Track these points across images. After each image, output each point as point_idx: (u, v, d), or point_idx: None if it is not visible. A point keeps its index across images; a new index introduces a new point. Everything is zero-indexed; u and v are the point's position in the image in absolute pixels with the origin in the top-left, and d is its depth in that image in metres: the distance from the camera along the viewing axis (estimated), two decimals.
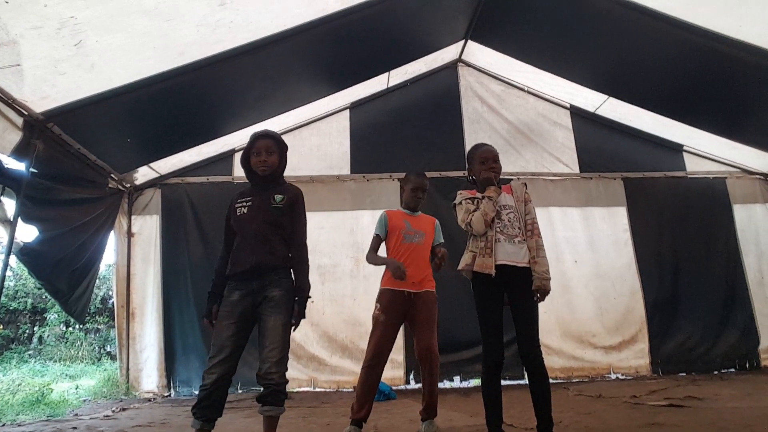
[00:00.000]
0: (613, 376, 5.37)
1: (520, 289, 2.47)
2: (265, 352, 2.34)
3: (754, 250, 5.84)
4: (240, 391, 5.05)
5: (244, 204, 2.49)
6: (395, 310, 2.94)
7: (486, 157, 2.82)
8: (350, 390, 4.96)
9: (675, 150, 6.11)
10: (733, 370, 5.38)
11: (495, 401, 2.44)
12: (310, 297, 2.46)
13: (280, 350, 2.33)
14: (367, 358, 2.91)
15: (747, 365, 5.41)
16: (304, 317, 2.42)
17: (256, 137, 2.53)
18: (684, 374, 5.27)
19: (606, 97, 5.72)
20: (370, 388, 2.89)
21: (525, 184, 2.77)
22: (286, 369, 2.37)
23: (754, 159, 5.86)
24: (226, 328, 2.34)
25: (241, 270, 2.39)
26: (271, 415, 2.37)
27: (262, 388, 2.37)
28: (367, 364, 2.88)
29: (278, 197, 2.48)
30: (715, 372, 5.34)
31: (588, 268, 5.71)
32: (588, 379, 5.32)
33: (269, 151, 2.50)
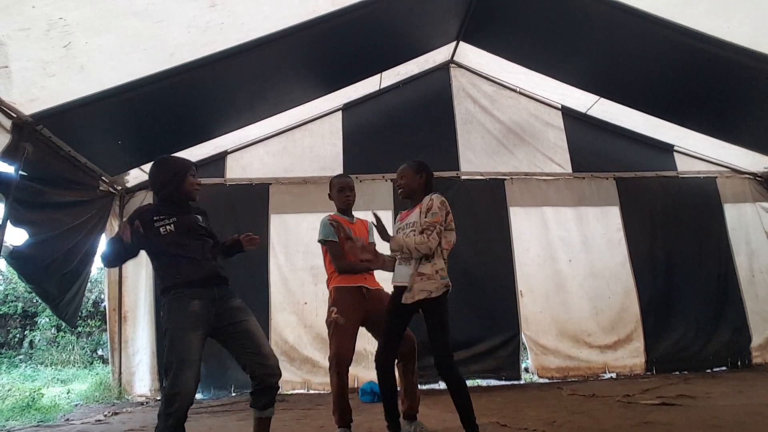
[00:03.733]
0: (608, 376, 5.39)
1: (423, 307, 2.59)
2: (266, 350, 2.40)
3: (745, 249, 5.89)
4: (234, 394, 5.03)
5: (167, 223, 2.45)
6: (354, 309, 2.95)
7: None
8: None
9: (666, 150, 6.16)
10: (725, 368, 5.42)
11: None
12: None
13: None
14: (333, 364, 2.90)
15: (739, 363, 5.45)
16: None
17: (193, 164, 2.64)
18: (677, 373, 5.30)
19: (597, 97, 5.75)
20: (342, 391, 2.90)
21: (432, 199, 2.70)
22: None
23: (743, 158, 5.91)
24: (197, 340, 2.29)
25: (198, 277, 2.38)
26: (271, 415, 2.39)
27: (256, 390, 2.40)
28: (336, 371, 2.87)
29: (201, 218, 2.60)
30: (708, 370, 5.37)
31: (582, 268, 5.74)
32: (584, 378, 5.33)
33: (198, 178, 2.62)
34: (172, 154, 2.73)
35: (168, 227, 2.44)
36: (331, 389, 2.95)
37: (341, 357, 2.88)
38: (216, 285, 2.44)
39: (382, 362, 2.65)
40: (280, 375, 2.43)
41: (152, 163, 2.63)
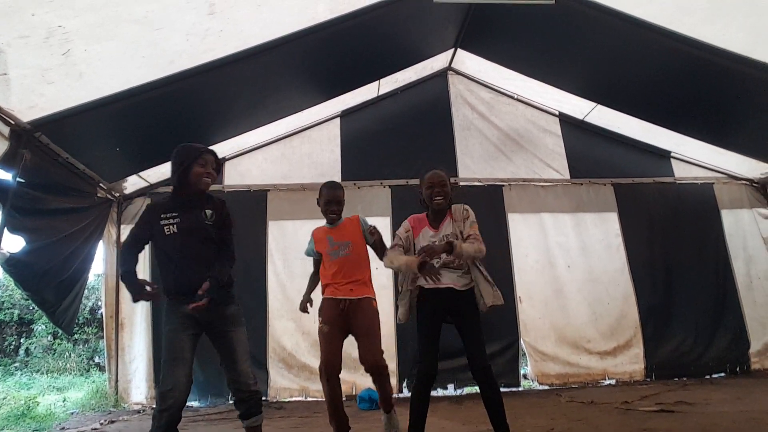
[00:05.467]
0: (607, 382, 5.37)
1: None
2: (240, 366, 2.39)
3: (742, 255, 5.90)
4: (230, 402, 4.99)
5: (171, 222, 2.39)
6: (335, 319, 2.99)
7: (432, 182, 2.83)
8: (342, 399, 4.92)
9: (663, 156, 6.19)
10: (723, 374, 5.41)
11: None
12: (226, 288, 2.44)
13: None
14: (321, 372, 2.94)
15: (738, 369, 5.44)
16: (207, 298, 2.30)
17: (205, 150, 2.47)
18: (677, 379, 5.28)
19: (594, 104, 5.78)
20: (334, 399, 2.95)
21: (466, 209, 2.83)
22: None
23: (740, 165, 5.94)
24: (188, 340, 2.34)
25: (193, 285, 2.32)
26: (260, 423, 2.40)
27: (234, 400, 2.44)
28: (325, 378, 2.91)
29: (209, 213, 2.44)
30: (707, 376, 5.36)
31: (581, 273, 5.73)
32: (583, 385, 5.32)
33: (213, 166, 2.45)
34: (192, 143, 2.58)
35: (171, 228, 2.38)
36: (324, 397, 2.98)
37: (327, 363, 2.92)
38: (215, 288, 2.38)
39: (427, 374, 2.53)
40: (250, 390, 2.40)
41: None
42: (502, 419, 2.45)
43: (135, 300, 2.40)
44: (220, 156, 5.52)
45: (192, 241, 2.39)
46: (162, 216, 2.41)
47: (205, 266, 2.38)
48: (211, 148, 2.55)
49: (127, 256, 2.45)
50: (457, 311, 2.63)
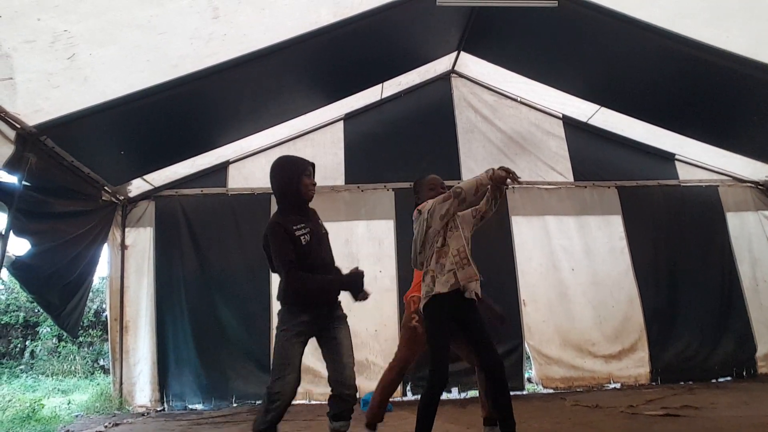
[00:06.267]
0: (612, 386, 5.33)
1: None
2: (344, 360, 2.49)
3: (748, 258, 5.86)
4: (235, 405, 5.00)
5: (304, 232, 2.44)
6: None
7: (435, 184, 2.82)
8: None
9: (667, 159, 6.16)
10: (730, 378, 5.36)
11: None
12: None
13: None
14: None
15: (744, 373, 5.39)
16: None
17: (310, 163, 2.59)
18: (682, 383, 5.24)
19: (598, 107, 5.77)
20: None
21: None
22: None
23: (744, 167, 5.91)
24: (299, 346, 2.47)
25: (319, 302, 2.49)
26: (341, 429, 2.45)
27: (329, 397, 2.49)
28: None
29: (322, 223, 2.61)
30: (713, 380, 5.32)
31: (585, 276, 5.71)
32: (588, 388, 5.28)
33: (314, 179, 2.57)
34: (289, 155, 2.73)
35: (305, 237, 2.44)
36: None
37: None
38: (332, 303, 2.57)
39: (441, 385, 2.51)
40: (352, 388, 2.43)
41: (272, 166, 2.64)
42: (509, 414, 2.45)
43: (359, 299, 2.64)
44: (222, 159, 5.64)
45: (322, 249, 2.53)
46: (294, 228, 2.44)
47: (331, 271, 2.57)
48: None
49: (307, 275, 2.45)
50: (464, 316, 2.62)
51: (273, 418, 2.33)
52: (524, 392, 5.21)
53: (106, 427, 4.19)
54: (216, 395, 5.06)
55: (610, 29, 4.41)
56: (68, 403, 5.71)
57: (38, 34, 2.91)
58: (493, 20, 5.06)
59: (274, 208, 5.90)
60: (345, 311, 2.65)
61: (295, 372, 2.39)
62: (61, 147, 3.99)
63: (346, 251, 5.52)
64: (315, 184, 2.56)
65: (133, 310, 5.27)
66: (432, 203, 2.64)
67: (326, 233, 2.62)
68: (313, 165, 2.62)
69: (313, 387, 5.08)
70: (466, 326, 2.60)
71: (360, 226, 5.63)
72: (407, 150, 5.91)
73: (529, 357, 5.44)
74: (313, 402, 5.02)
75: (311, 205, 2.63)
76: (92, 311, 9.53)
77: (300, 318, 2.45)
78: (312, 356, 5.18)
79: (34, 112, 3.51)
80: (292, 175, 2.52)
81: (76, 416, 4.93)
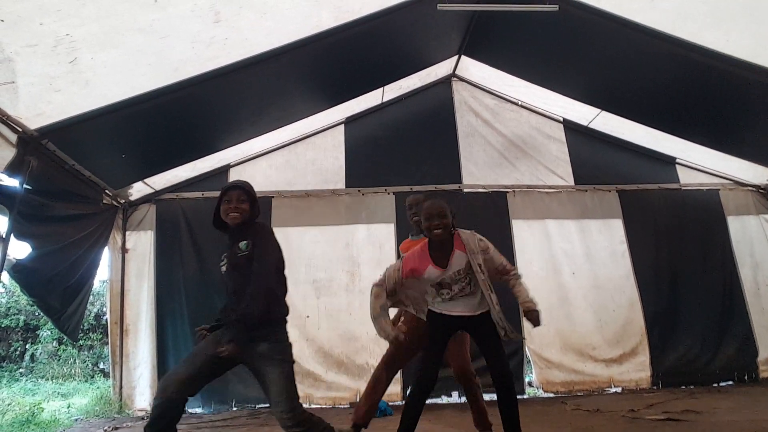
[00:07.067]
0: (613, 390, 5.31)
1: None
2: (276, 407, 2.30)
3: (749, 262, 5.85)
4: (234, 408, 4.99)
5: (223, 262, 2.47)
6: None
7: (431, 213, 2.59)
8: (346, 406, 4.91)
9: (668, 162, 6.16)
10: (731, 382, 5.34)
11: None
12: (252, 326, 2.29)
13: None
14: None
15: (746, 377, 5.37)
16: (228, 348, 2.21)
17: (227, 188, 2.52)
18: (683, 387, 5.22)
19: (598, 110, 5.78)
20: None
21: (481, 239, 2.71)
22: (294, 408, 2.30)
23: (745, 171, 5.90)
24: (206, 356, 2.33)
25: (229, 320, 2.34)
26: None
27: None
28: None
29: (244, 245, 2.40)
30: (714, 384, 5.30)
31: (586, 280, 5.70)
32: (589, 393, 5.26)
33: (240, 200, 2.46)
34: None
35: (223, 267, 2.47)
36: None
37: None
38: (240, 329, 2.28)
39: (427, 385, 2.58)
40: (285, 424, 2.30)
41: None
42: (517, 424, 2.48)
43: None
44: (224, 163, 5.65)
45: (231, 277, 2.41)
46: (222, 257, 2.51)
47: (240, 303, 2.31)
48: (241, 182, 2.57)
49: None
50: (473, 330, 2.67)
51: (150, 420, 2.18)
52: (525, 396, 5.19)
53: (105, 430, 4.18)
54: (215, 399, 5.05)
55: (610, 33, 4.42)
56: (68, 407, 5.69)
57: (40, 38, 2.92)
58: (493, 24, 5.07)
59: (275, 211, 5.97)
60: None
61: (187, 372, 2.26)
62: (62, 150, 4.00)
63: (347, 255, 5.53)
64: (235, 209, 2.44)
65: (133, 314, 5.27)
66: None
67: (241, 259, 2.37)
68: (237, 188, 2.50)
69: (314, 391, 5.06)
70: (476, 336, 2.66)
71: (360, 230, 5.63)
72: (408, 154, 5.92)
73: (529, 361, 5.43)
74: (313, 405, 5.00)
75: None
76: (92, 314, 9.52)
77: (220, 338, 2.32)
78: (312, 360, 5.20)
79: (36, 116, 3.52)
80: (216, 209, 2.52)
81: (76, 420, 4.91)
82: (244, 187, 2.52)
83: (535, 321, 2.55)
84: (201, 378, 2.29)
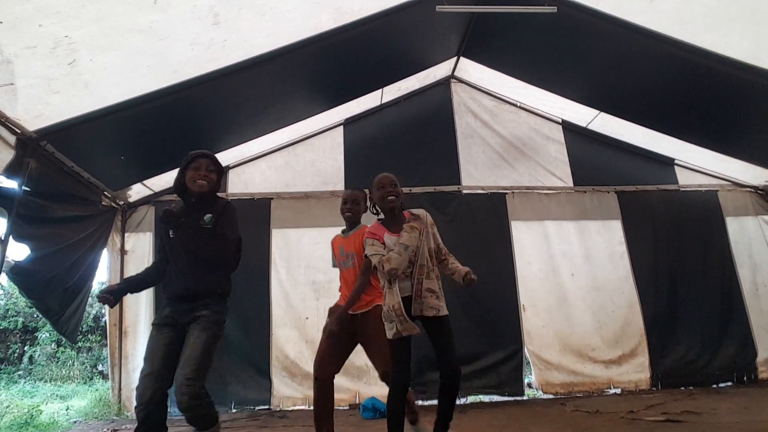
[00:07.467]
0: (613, 391, 5.31)
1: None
2: (181, 369, 2.32)
3: (748, 263, 5.86)
4: (234, 410, 4.97)
5: (174, 226, 2.44)
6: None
7: (383, 183, 2.71)
8: (346, 408, 4.90)
9: (667, 164, 6.17)
10: (731, 383, 5.35)
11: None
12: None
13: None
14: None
15: (745, 378, 5.38)
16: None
17: (199, 154, 2.50)
18: (683, 388, 5.23)
19: (597, 112, 5.79)
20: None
21: (428, 214, 2.72)
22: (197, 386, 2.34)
23: (744, 172, 5.91)
24: (163, 338, 2.38)
25: (177, 293, 2.39)
26: None
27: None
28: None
29: (207, 218, 2.41)
30: (714, 386, 5.31)
31: (585, 281, 5.70)
32: (588, 394, 5.26)
33: (209, 169, 2.46)
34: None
35: (173, 232, 2.43)
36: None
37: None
38: (189, 300, 2.40)
39: (404, 383, 2.54)
40: (182, 399, 2.32)
41: None
42: (451, 412, 2.55)
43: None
44: (224, 164, 5.60)
45: (185, 246, 2.41)
46: (181, 218, 2.47)
47: (192, 273, 2.38)
48: (209, 152, 2.56)
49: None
50: (432, 324, 2.57)
51: (137, 428, 2.22)
52: (524, 398, 5.18)
53: None
54: (215, 401, 4.97)
55: (609, 34, 4.43)
56: (67, 409, 5.68)
57: (39, 40, 2.92)
58: (492, 26, 5.08)
59: (274, 212, 5.97)
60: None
61: (153, 370, 2.29)
62: (61, 152, 3.99)
63: None
64: (204, 176, 2.42)
65: (132, 315, 5.26)
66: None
67: (204, 232, 2.40)
68: (207, 157, 2.49)
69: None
70: (430, 332, 2.57)
71: None
72: (407, 155, 5.92)
73: (528, 362, 5.42)
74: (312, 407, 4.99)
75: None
76: (91, 316, 9.51)
77: (163, 311, 2.42)
78: (312, 361, 5.16)
79: (35, 118, 3.51)
80: (180, 167, 2.47)
81: (75, 422, 4.91)
82: (212, 157, 2.53)
83: (471, 281, 2.57)
84: (170, 368, 2.34)
